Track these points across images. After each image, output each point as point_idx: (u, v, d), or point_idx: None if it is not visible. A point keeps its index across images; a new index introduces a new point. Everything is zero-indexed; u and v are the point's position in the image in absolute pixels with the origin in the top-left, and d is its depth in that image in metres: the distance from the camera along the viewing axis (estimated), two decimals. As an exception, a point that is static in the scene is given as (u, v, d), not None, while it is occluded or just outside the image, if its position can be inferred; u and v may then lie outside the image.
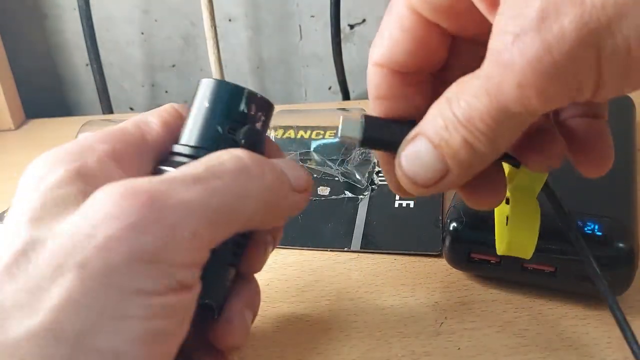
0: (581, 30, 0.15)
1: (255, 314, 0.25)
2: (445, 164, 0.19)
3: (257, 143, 0.23)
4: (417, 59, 0.21)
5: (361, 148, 0.22)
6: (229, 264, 0.23)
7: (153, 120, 0.23)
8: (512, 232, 0.24)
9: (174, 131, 0.23)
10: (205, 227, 0.19)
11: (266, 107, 0.24)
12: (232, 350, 0.24)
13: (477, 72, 0.18)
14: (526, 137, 0.22)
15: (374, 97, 0.23)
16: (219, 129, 0.22)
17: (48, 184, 0.19)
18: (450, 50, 0.22)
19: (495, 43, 0.17)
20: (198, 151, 0.22)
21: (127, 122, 0.23)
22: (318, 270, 0.33)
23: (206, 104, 0.23)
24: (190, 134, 0.23)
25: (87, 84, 0.61)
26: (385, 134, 0.22)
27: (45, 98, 0.62)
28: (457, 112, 0.18)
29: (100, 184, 0.19)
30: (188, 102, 0.24)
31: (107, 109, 0.60)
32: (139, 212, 0.17)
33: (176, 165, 0.21)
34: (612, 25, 0.15)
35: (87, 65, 0.60)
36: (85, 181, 0.20)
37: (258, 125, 0.23)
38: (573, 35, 0.15)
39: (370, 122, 0.22)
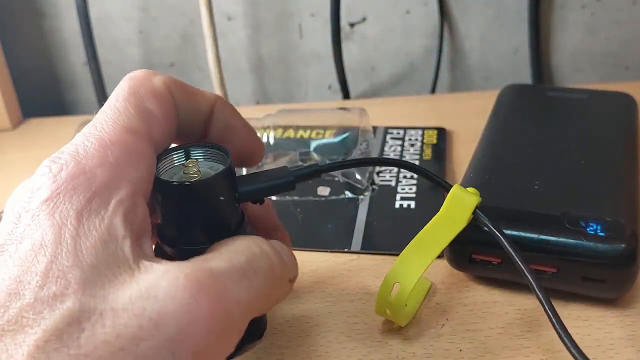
0: None
1: None
2: None
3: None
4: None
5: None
6: None
7: (157, 111, 0.21)
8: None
9: (171, 121, 0.22)
10: (245, 324, 0.20)
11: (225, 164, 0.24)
12: None
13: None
14: None
15: None
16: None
17: (97, 235, 0.18)
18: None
19: None
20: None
21: (132, 118, 0.21)
22: (318, 271, 0.32)
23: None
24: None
25: (85, 83, 0.61)
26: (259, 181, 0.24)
27: (43, 97, 0.61)
28: None
29: (142, 230, 0.19)
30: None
31: (106, 108, 0.60)
32: (209, 312, 0.18)
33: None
34: None
35: (84, 64, 0.59)
36: (135, 231, 0.19)
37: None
38: None
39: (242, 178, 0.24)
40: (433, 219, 0.27)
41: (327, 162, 0.39)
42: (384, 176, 0.40)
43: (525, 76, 0.59)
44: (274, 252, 0.22)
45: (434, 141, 0.45)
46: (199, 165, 0.23)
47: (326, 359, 0.27)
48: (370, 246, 0.34)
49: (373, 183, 0.39)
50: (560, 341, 0.27)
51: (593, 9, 0.57)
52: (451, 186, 0.27)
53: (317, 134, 0.41)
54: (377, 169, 0.41)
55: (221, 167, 0.23)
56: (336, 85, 0.59)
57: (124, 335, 0.16)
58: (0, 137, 0.53)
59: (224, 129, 0.24)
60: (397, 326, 0.28)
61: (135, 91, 0.21)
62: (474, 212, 0.27)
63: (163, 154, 0.23)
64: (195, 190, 0.22)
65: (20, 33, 0.59)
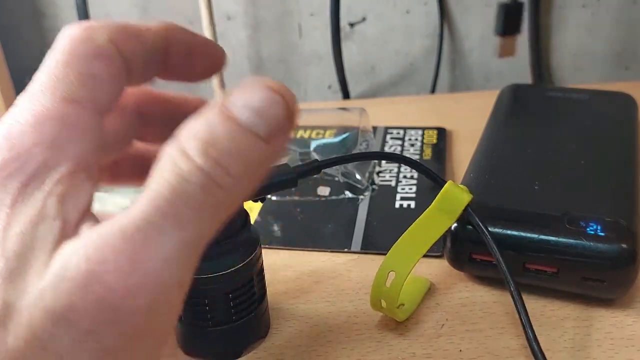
0: None
1: None
2: None
3: None
4: None
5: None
6: None
7: (101, 73, 0.19)
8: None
9: (119, 79, 0.19)
10: (188, 270, 0.17)
11: None
12: None
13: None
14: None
15: None
16: None
17: (27, 220, 0.16)
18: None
19: None
20: None
21: (73, 86, 0.18)
22: (318, 271, 0.32)
23: None
24: None
25: (85, 83, 0.61)
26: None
27: (43, 97, 0.61)
28: None
29: (83, 208, 0.17)
30: None
31: (105, 108, 0.60)
32: (124, 293, 0.15)
33: None
34: None
35: (85, 64, 0.59)
36: (74, 210, 0.17)
37: None
38: None
39: None
40: (425, 212, 0.28)
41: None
42: (384, 176, 0.40)
43: (525, 76, 0.59)
44: (211, 158, 0.16)
45: (434, 141, 0.45)
46: None
47: (326, 359, 0.27)
48: (370, 246, 0.34)
49: (373, 183, 0.39)
50: (560, 341, 0.27)
51: (593, 9, 0.57)
52: (445, 182, 0.28)
53: (317, 134, 0.41)
54: (377, 169, 0.41)
55: None
56: (336, 85, 0.59)
57: (40, 335, 0.15)
58: (0, 137, 0.52)
59: (184, 55, 0.22)
60: (397, 326, 0.28)
61: (76, 54, 0.19)
62: (465, 209, 0.28)
63: None
64: None
65: (21, 33, 0.59)
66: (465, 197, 0.28)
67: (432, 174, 0.29)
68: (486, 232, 0.27)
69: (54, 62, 0.19)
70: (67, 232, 0.17)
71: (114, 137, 0.23)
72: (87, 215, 0.17)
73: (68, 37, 0.19)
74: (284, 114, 0.17)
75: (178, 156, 0.16)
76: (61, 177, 0.17)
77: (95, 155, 0.19)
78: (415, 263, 0.27)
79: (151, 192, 0.16)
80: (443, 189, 0.28)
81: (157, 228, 0.16)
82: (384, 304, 0.27)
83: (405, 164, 0.30)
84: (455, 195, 0.28)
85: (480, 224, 0.27)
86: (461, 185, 0.28)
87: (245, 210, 0.25)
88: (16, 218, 0.16)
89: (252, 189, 0.18)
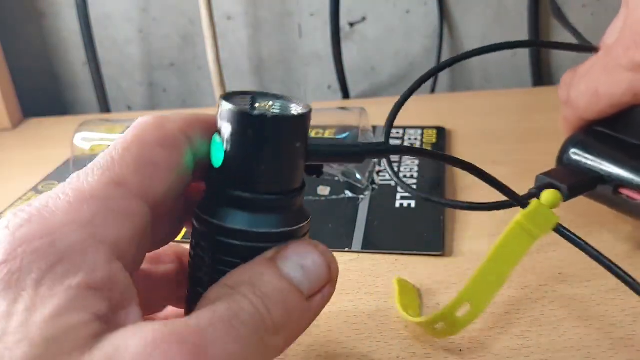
0: None
1: None
2: None
3: None
4: None
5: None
6: None
7: (162, 162, 0.18)
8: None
9: (181, 172, 0.19)
10: None
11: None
12: None
13: None
14: None
15: None
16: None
17: (54, 307, 0.15)
18: None
19: None
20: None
21: (126, 169, 0.17)
22: (318, 271, 0.32)
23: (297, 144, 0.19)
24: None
25: (84, 83, 0.61)
26: None
27: (43, 97, 0.61)
28: None
29: (117, 300, 0.16)
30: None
31: (105, 108, 0.60)
32: None
33: None
34: None
35: (84, 64, 0.59)
36: (107, 301, 0.16)
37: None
38: None
39: None
40: (507, 232, 0.25)
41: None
42: (384, 175, 0.40)
43: (525, 76, 0.59)
44: (263, 301, 0.18)
45: (434, 140, 0.45)
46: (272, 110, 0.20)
47: (326, 359, 0.27)
48: (371, 246, 0.34)
49: (373, 182, 0.39)
50: (560, 341, 0.27)
51: (593, 9, 0.57)
52: (527, 202, 0.25)
53: (317, 133, 0.41)
54: (377, 168, 0.41)
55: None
56: (336, 85, 0.59)
57: None
58: (0, 136, 0.53)
59: None
60: (396, 326, 0.28)
61: (140, 139, 0.18)
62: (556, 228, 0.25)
63: (226, 96, 0.19)
64: (278, 125, 0.18)
65: (21, 33, 0.59)
66: (553, 219, 0.25)
67: (511, 193, 0.25)
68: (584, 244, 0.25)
69: (114, 145, 0.18)
70: (98, 325, 0.15)
71: (164, 236, 0.21)
72: (125, 305, 0.17)
73: (138, 123, 0.19)
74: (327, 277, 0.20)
75: (231, 292, 0.17)
76: (94, 264, 0.16)
77: (135, 246, 0.17)
78: (496, 293, 0.25)
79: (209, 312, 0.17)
80: (531, 208, 0.25)
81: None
82: (438, 327, 0.26)
83: (479, 177, 0.24)
84: (543, 216, 0.25)
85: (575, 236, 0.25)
86: (548, 194, 0.26)
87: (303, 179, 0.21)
88: (42, 301, 0.15)
89: (287, 343, 0.19)
